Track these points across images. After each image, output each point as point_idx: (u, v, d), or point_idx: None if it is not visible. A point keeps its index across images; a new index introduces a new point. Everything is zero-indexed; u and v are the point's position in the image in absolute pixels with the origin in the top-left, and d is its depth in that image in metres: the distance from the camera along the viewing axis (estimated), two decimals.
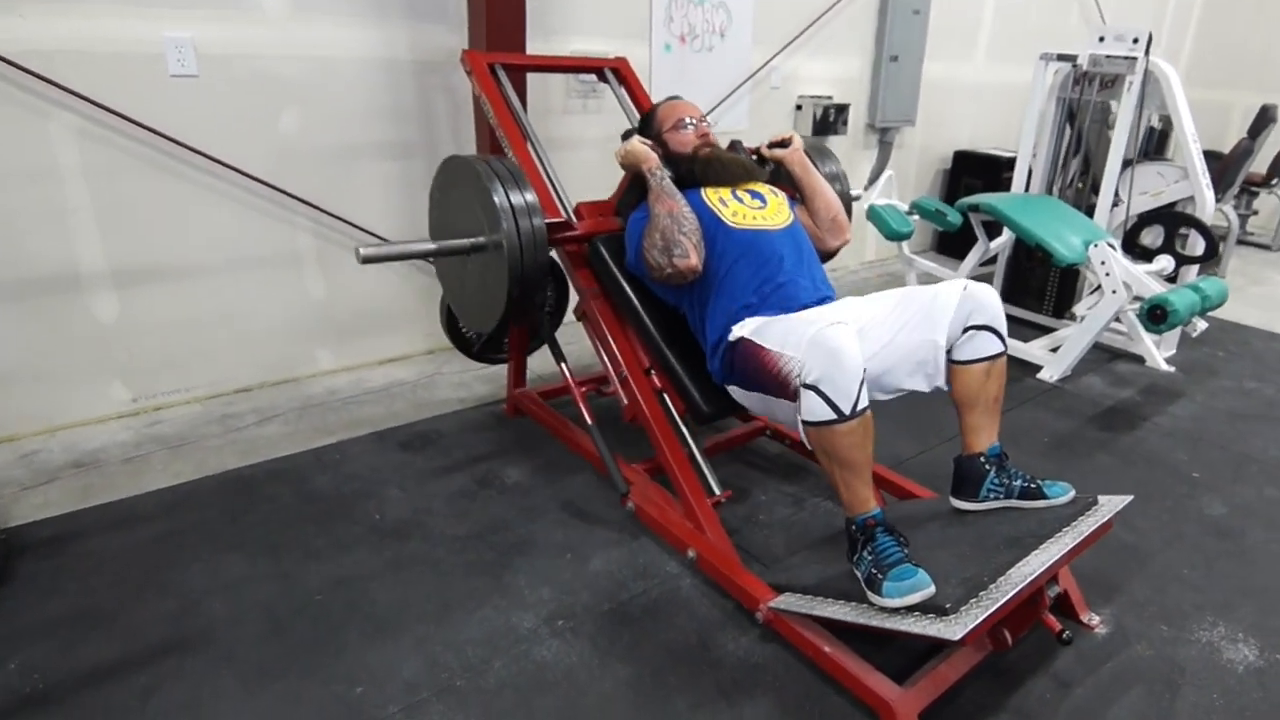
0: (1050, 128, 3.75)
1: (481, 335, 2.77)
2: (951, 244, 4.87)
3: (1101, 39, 3.31)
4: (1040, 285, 3.91)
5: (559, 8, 3.24)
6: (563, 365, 2.33)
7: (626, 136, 2.41)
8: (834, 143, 4.42)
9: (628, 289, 2.22)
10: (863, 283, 4.82)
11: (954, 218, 3.56)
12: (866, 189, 4.74)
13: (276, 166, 2.84)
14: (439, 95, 3.11)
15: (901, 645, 1.82)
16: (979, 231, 3.65)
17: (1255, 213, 5.70)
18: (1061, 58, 3.51)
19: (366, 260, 1.92)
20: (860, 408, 1.66)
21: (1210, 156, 3.95)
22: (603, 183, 2.55)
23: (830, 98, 4.24)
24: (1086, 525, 1.80)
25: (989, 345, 1.87)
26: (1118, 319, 3.36)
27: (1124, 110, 3.31)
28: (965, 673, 1.72)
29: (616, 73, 2.74)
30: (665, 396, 2.22)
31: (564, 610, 1.92)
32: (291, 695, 1.66)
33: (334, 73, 2.87)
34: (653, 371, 2.23)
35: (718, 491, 2.14)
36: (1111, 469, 2.71)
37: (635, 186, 2.23)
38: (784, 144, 2.31)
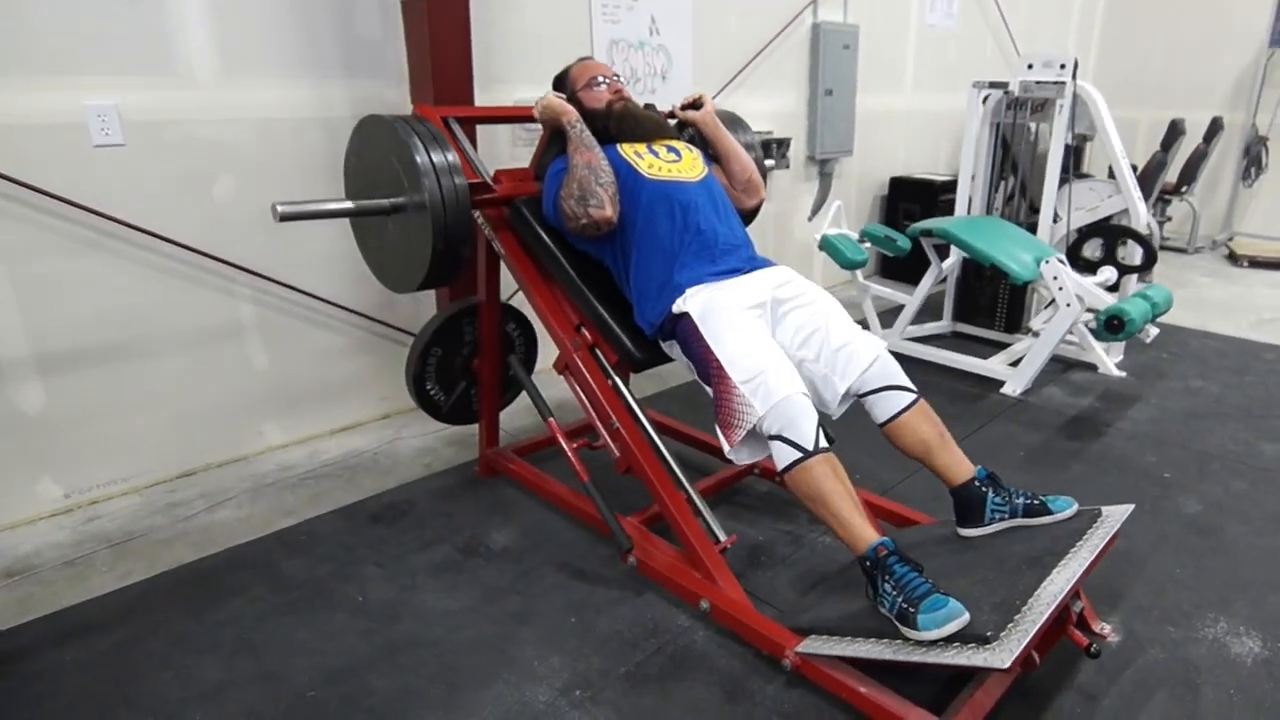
0: (985, 152, 3.88)
1: (450, 396, 2.64)
2: (896, 268, 4.98)
3: (1031, 66, 3.46)
4: (990, 303, 4.01)
5: (500, 56, 3.20)
6: (551, 420, 2.23)
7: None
8: (778, 176, 4.50)
9: (552, 245, 2.22)
10: None
11: (903, 243, 3.62)
12: (811, 219, 4.86)
13: (213, 235, 2.68)
14: None
15: (927, 677, 1.77)
16: (932, 256, 3.73)
17: (1169, 219, 6.04)
18: (993, 85, 3.65)
19: (284, 218, 1.91)
20: (823, 445, 1.74)
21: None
22: None
23: (771, 132, 4.31)
24: (1098, 538, 1.80)
25: (901, 398, 1.93)
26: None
27: (1056, 131, 3.45)
28: (1000, 697, 1.68)
29: None
30: (598, 351, 2.20)
31: (579, 679, 1.80)
32: None
33: (270, 134, 2.75)
34: (583, 327, 2.22)
35: (722, 538, 2.06)
36: (1088, 477, 2.75)
37: (554, 142, 2.24)
38: (696, 105, 2.37)
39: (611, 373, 2.16)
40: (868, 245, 3.66)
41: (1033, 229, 3.70)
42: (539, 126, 3.34)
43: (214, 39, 2.57)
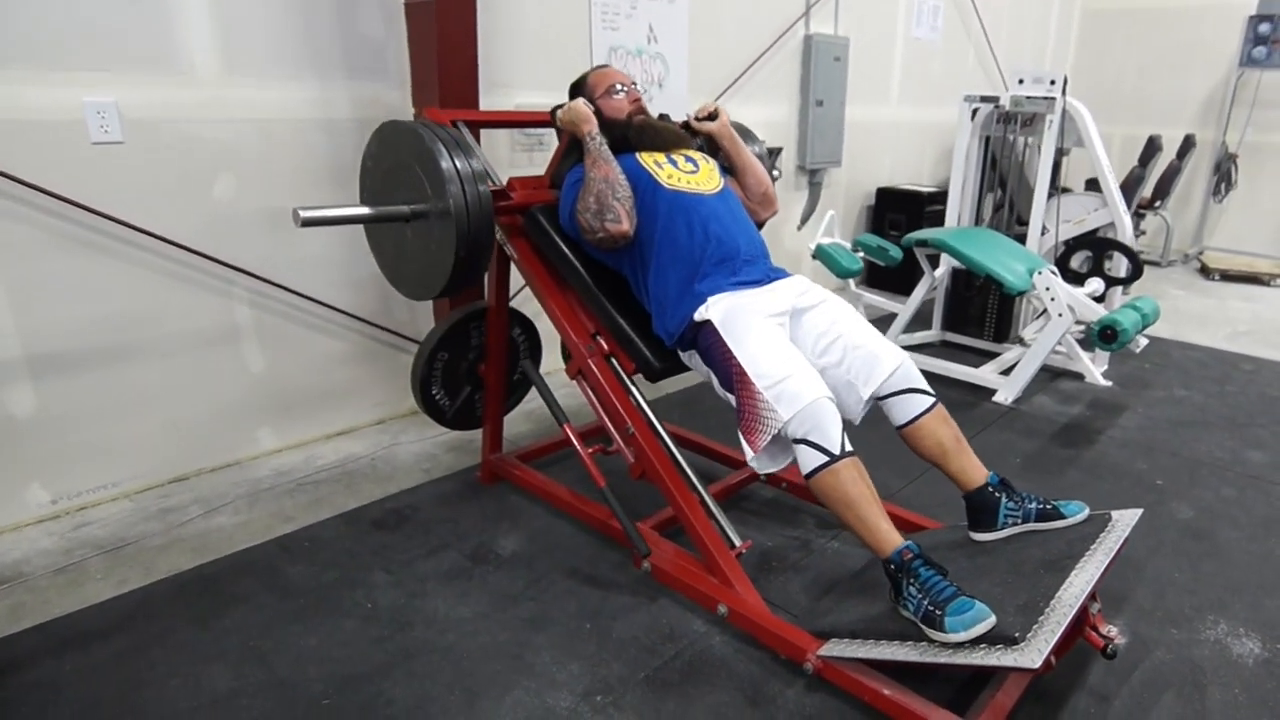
0: (974, 164, 3.95)
1: (455, 401, 2.62)
2: (880, 278, 5.03)
3: (1021, 81, 3.53)
4: (980, 312, 4.07)
5: (502, 61, 3.19)
6: (567, 425, 2.21)
7: (555, 111, 2.38)
8: None
9: (568, 253, 2.21)
10: None
11: (895, 253, 3.67)
12: (800, 228, 4.90)
13: (211, 235, 2.64)
14: None
15: (942, 678, 1.80)
16: (925, 265, 3.78)
17: (1144, 232, 6.19)
18: (984, 99, 3.72)
19: (306, 223, 1.89)
20: (848, 449, 1.75)
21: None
22: None
23: (764, 142, 4.34)
24: (1112, 541, 1.83)
25: (920, 401, 1.96)
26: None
27: (1045, 145, 3.51)
28: (1019, 698, 1.70)
29: None
30: (614, 360, 2.18)
31: (599, 685, 1.79)
32: None
33: (270, 135, 2.71)
34: (599, 335, 2.20)
35: (738, 543, 2.06)
36: (1085, 483, 2.79)
37: (572, 150, 2.23)
38: (711, 117, 2.36)
39: (627, 380, 2.14)
40: (861, 254, 3.69)
41: (1020, 240, 3.76)
42: (539, 132, 3.40)
43: (217, 37, 2.53)
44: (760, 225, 2.39)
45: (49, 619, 2.02)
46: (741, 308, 1.93)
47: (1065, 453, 3.03)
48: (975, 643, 1.55)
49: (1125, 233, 3.61)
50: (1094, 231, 3.79)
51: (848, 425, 1.87)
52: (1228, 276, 5.95)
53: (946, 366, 3.70)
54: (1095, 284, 3.52)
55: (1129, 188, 4.97)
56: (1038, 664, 1.43)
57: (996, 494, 1.92)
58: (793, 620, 1.91)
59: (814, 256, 3.62)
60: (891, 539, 1.69)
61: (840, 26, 4.72)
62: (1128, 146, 6.19)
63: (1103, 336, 2.99)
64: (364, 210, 2.06)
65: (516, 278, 2.46)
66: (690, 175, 2.15)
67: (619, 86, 2.28)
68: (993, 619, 1.54)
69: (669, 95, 3.78)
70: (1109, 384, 3.67)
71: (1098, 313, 3.24)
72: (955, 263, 3.58)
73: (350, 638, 1.94)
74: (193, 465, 2.79)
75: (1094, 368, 3.67)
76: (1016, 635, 1.51)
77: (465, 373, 2.61)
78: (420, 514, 2.54)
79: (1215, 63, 6.40)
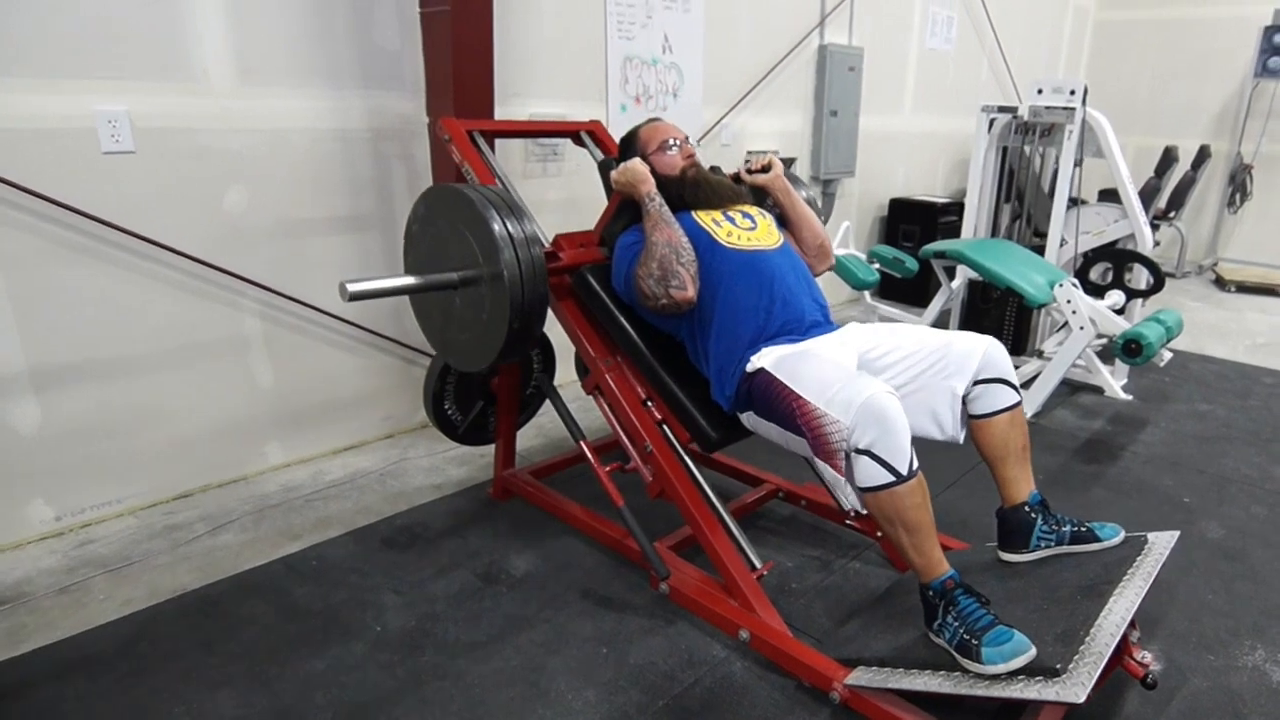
0: (991, 175, 3.90)
1: (467, 416, 2.56)
2: (892, 289, 4.98)
3: (1040, 91, 3.47)
4: (997, 325, 4.00)
5: (516, 71, 3.15)
6: (584, 443, 2.16)
7: (606, 167, 2.30)
8: None
9: (620, 316, 2.11)
10: None
11: (911, 265, 3.62)
12: None
13: (221, 246, 2.59)
14: (396, 165, 2.95)
15: (969, 708, 1.73)
16: (942, 277, 3.73)
17: (1159, 243, 6.12)
18: (1002, 109, 3.67)
19: (354, 297, 1.81)
20: (915, 466, 1.62)
21: (1117, 194, 4.18)
22: None
23: (777, 152, 4.31)
24: (1149, 566, 1.77)
25: (1005, 396, 1.86)
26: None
27: (1065, 156, 3.46)
28: None
29: (592, 135, 2.66)
30: (666, 427, 2.09)
31: (617, 713, 1.73)
32: None
33: (284, 145, 2.67)
34: (650, 401, 2.11)
35: (759, 565, 2.00)
36: (1110, 501, 2.73)
37: (625, 211, 2.14)
38: (765, 169, 2.25)
39: (677, 444, 2.06)
40: (876, 266, 3.64)
41: (1037, 251, 3.71)
42: (553, 142, 3.36)
43: (231, 46, 2.49)
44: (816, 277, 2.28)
45: (51, 641, 1.96)
46: (799, 350, 1.84)
47: (1089, 469, 2.96)
48: (1014, 674, 1.48)
49: (1146, 244, 3.56)
50: (1114, 243, 3.73)
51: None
52: (1243, 288, 5.88)
53: None
54: (1116, 296, 3.46)
55: (1145, 198, 4.91)
56: (1082, 699, 1.37)
57: (1033, 514, 1.86)
58: (816, 645, 1.85)
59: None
60: (940, 567, 1.63)
61: (855, 37, 4.69)
62: (1140, 157, 6.14)
63: (1127, 351, 2.93)
64: (412, 280, 1.95)
65: None
66: (749, 232, 2.04)
67: (672, 142, 2.17)
68: (1033, 650, 1.48)
69: (683, 105, 3.74)
70: (1129, 398, 3.60)
71: (1120, 326, 3.18)
72: (972, 274, 3.53)
73: (359, 662, 1.89)
74: (199, 481, 2.74)
75: (1114, 381, 3.61)
76: (1058, 667, 1.45)
77: (478, 387, 2.56)
78: (431, 532, 2.48)
79: (1230, 73, 6.35)
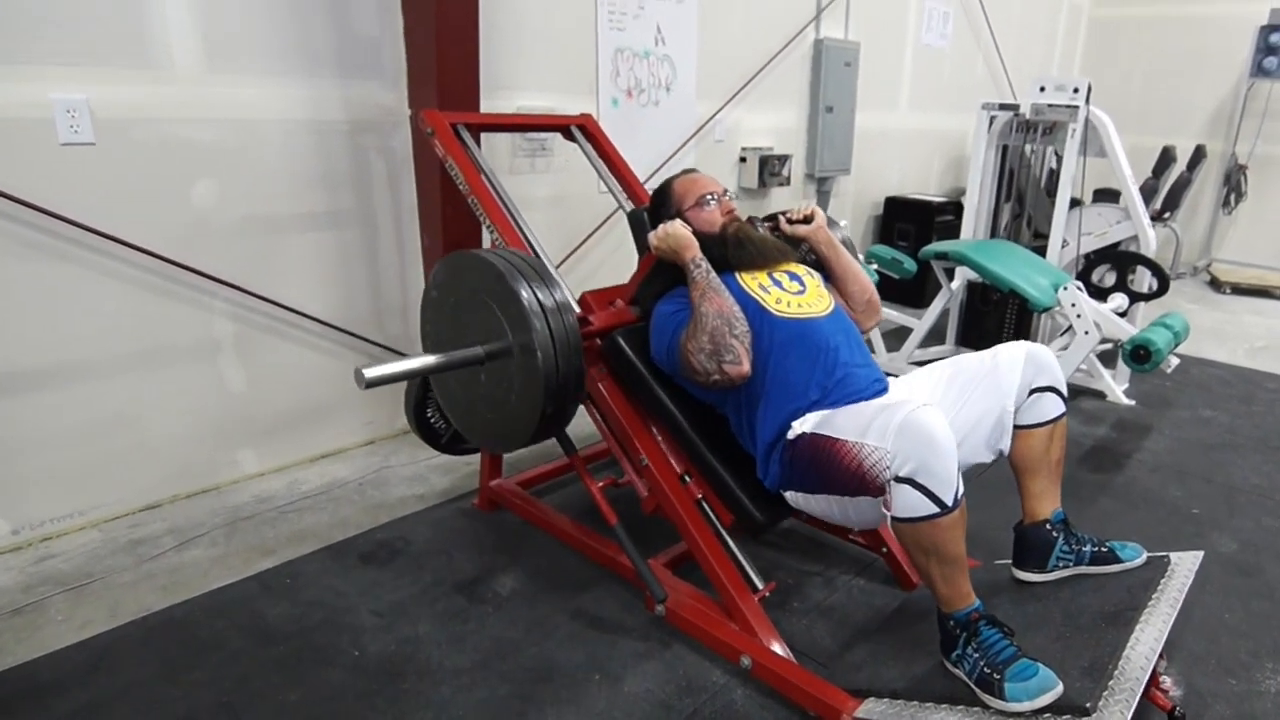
0: (991, 174, 3.80)
1: (450, 425, 2.43)
2: (893, 291, 4.87)
3: (1043, 89, 3.38)
4: (996, 327, 3.91)
5: (502, 61, 3.02)
6: (576, 457, 2.04)
7: (635, 219, 2.14)
8: (777, 193, 4.38)
9: (656, 388, 1.94)
10: None
11: (910, 265, 3.52)
12: None
13: (189, 244, 2.45)
14: (375, 158, 2.81)
15: None
16: (942, 278, 3.64)
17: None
18: (1003, 107, 3.58)
19: (370, 384, 1.63)
20: (960, 495, 1.48)
21: (1113, 194, 4.11)
22: (553, 244, 2.30)
23: (771, 149, 4.20)
24: (1175, 590, 1.68)
25: (1053, 407, 1.77)
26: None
27: (1068, 155, 3.37)
28: None
29: (583, 129, 2.54)
30: (705, 505, 1.93)
31: None
32: None
33: (256, 136, 2.53)
34: (689, 477, 1.95)
35: (760, 585, 1.88)
36: (1118, 513, 2.64)
37: (660, 274, 1.96)
38: (807, 220, 2.05)
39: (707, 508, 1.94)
40: (874, 266, 3.54)
41: (1037, 253, 3.62)
42: (542, 137, 3.23)
43: (197, 29, 2.35)
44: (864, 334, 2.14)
45: (3, 668, 1.83)
46: (842, 409, 1.71)
47: (1095, 478, 2.87)
48: (1039, 712, 1.38)
49: (1149, 246, 3.47)
50: (1116, 245, 3.65)
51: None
52: (1238, 290, 5.83)
53: None
54: (1119, 299, 3.38)
55: (1142, 199, 4.84)
56: None
57: (1055, 533, 1.77)
58: (822, 671, 1.75)
59: None
60: (968, 599, 1.53)
61: (851, 31, 4.58)
62: (1135, 156, 6.04)
63: (1135, 357, 2.85)
64: (432, 360, 1.78)
65: None
66: (798, 296, 1.88)
67: (710, 197, 2.01)
68: (1060, 687, 1.38)
69: (676, 100, 3.62)
70: (1132, 403, 3.52)
71: (1126, 330, 3.09)
72: (971, 275, 3.43)
73: (336, 691, 1.76)
74: (167, 491, 2.60)
75: (1116, 386, 3.53)
76: (1087, 706, 1.35)
77: None
78: (413, 547, 2.35)
79: (1224, 73, 6.30)
